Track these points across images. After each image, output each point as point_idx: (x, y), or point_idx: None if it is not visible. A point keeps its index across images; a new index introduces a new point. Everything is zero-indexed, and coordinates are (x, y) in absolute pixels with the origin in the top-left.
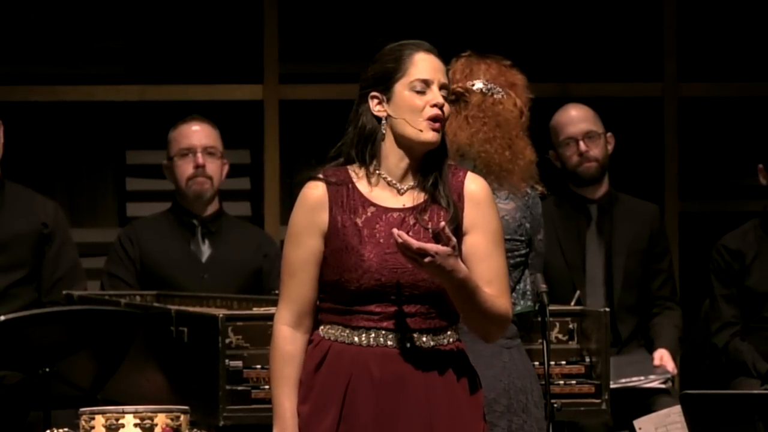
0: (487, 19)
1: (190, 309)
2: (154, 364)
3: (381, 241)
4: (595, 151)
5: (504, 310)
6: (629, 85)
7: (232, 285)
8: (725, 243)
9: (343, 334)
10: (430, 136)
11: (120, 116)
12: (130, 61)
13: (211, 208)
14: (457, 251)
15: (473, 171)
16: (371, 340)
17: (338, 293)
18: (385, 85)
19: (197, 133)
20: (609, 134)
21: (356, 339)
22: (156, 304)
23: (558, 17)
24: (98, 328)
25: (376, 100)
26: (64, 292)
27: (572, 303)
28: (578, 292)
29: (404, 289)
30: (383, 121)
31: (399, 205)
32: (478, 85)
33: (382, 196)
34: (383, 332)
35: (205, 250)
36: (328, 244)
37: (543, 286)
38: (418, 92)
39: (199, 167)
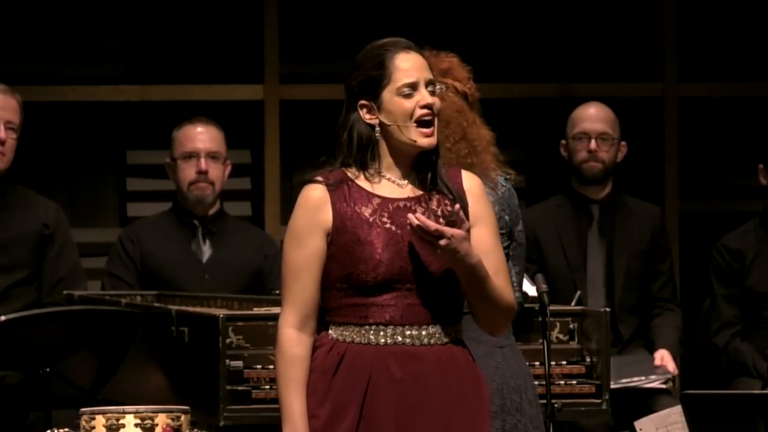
0: (488, 19)
1: (191, 309)
2: (154, 364)
3: (393, 228)
4: (604, 153)
5: (511, 300)
6: (630, 86)
7: (233, 285)
8: (725, 243)
9: (359, 333)
10: (425, 143)
11: (120, 116)
12: (130, 61)
13: (212, 209)
14: (470, 235)
15: None
16: (388, 338)
17: (351, 287)
18: (372, 93)
19: (201, 137)
20: (623, 143)
21: (373, 338)
22: (156, 305)
23: (559, 18)
24: (99, 328)
25: (365, 109)
26: (64, 292)
27: (573, 303)
28: (579, 292)
29: (417, 276)
30: (376, 128)
31: (403, 196)
32: None
33: (384, 189)
34: (399, 328)
35: (206, 251)
36: (334, 241)
37: (543, 286)
38: (406, 96)
39: (201, 173)
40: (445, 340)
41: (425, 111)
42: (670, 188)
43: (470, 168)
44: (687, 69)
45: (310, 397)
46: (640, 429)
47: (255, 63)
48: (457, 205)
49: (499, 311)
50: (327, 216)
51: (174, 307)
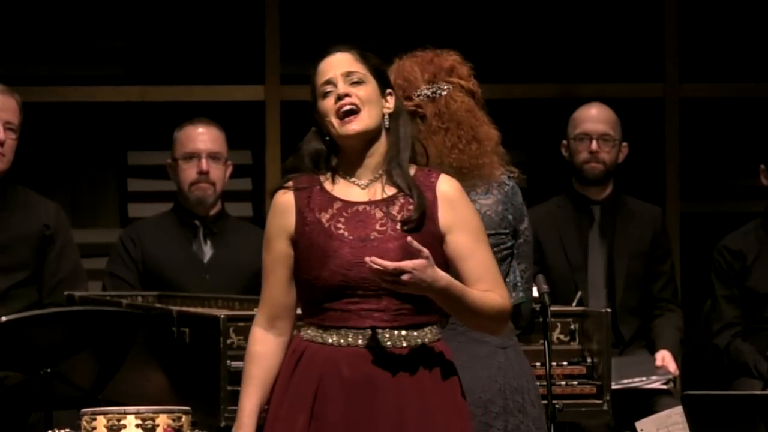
0: (488, 19)
1: (192, 310)
2: (155, 364)
3: (346, 234)
4: (605, 154)
5: (499, 304)
6: (631, 86)
7: (234, 286)
8: (726, 244)
9: (316, 334)
10: (343, 131)
11: (121, 117)
12: (131, 61)
13: (213, 209)
14: (432, 260)
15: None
16: (342, 339)
17: (309, 292)
18: (315, 106)
19: (202, 137)
20: (624, 144)
21: (329, 339)
22: (157, 305)
23: (560, 18)
24: (100, 328)
25: (319, 121)
26: (65, 293)
27: (574, 304)
28: (580, 293)
29: (372, 284)
30: (326, 137)
31: (364, 199)
32: (423, 92)
33: (345, 191)
34: (353, 331)
35: (207, 251)
36: (297, 245)
37: (544, 287)
38: (326, 95)
39: (202, 173)
40: (404, 343)
41: (341, 102)
42: (671, 189)
43: (480, 168)
44: (688, 70)
45: (275, 396)
46: (641, 429)
47: (256, 63)
48: (409, 237)
49: (487, 318)
50: (291, 221)
51: (175, 308)
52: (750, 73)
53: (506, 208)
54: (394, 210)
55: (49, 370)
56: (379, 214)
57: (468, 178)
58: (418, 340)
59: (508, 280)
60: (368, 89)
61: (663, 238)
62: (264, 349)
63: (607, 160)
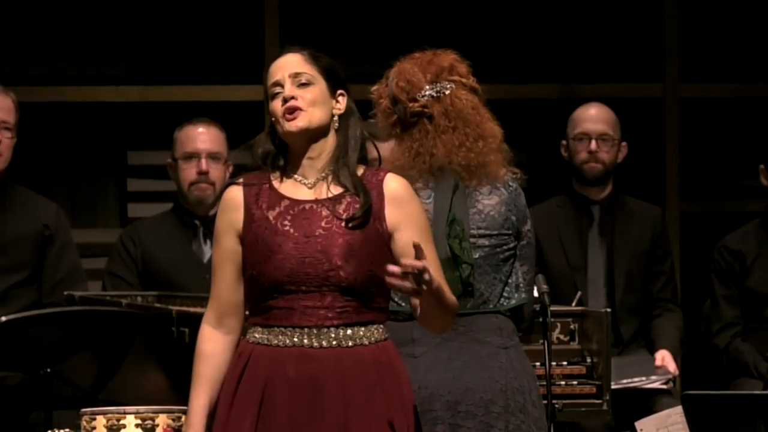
0: (489, 20)
1: (192, 310)
2: (155, 364)
3: (291, 231)
4: (604, 154)
5: (455, 300)
6: (631, 86)
7: None
8: (726, 243)
9: (262, 336)
10: (286, 127)
11: (121, 117)
12: (131, 61)
13: (213, 209)
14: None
15: (455, 182)
16: (287, 340)
17: (254, 289)
18: (267, 106)
19: (202, 137)
20: (624, 143)
21: (274, 340)
22: (157, 305)
23: (560, 19)
24: (99, 328)
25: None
26: (65, 293)
27: (573, 304)
28: (579, 293)
29: (315, 281)
30: (277, 137)
31: (311, 198)
32: (428, 92)
33: (293, 190)
34: (298, 330)
35: (207, 251)
36: (243, 242)
37: (544, 287)
38: (275, 97)
39: (202, 173)
40: (350, 343)
41: (286, 105)
42: (671, 189)
43: (485, 166)
44: (688, 70)
45: (222, 401)
46: (641, 429)
47: (256, 64)
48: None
49: (449, 314)
50: (239, 217)
51: (175, 308)
52: (750, 73)
53: (509, 209)
54: (340, 209)
55: (48, 370)
56: (325, 212)
57: (474, 176)
58: (365, 339)
59: (510, 280)
60: (315, 91)
61: (663, 238)
62: (211, 347)
63: (606, 159)
